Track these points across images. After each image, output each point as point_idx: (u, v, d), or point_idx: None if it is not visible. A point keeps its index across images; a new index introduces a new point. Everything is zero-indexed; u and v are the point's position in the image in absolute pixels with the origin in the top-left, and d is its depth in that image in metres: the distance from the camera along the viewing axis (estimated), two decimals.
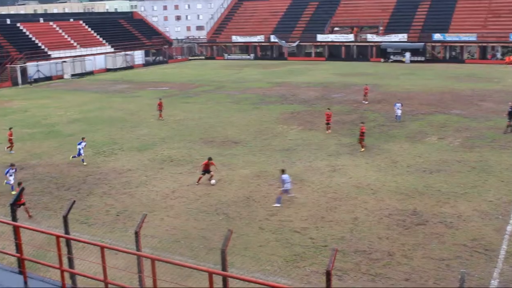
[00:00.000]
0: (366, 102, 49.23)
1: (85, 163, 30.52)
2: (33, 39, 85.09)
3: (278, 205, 23.08)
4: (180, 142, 35.69)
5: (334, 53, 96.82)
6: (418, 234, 20.15)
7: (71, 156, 31.50)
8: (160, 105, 44.52)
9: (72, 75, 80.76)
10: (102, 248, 10.54)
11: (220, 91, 59.94)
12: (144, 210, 22.65)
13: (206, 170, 26.25)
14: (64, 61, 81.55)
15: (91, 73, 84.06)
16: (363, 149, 32.35)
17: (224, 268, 11.18)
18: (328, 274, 9.61)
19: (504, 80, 64.82)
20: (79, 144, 30.97)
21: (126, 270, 14.87)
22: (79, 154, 30.70)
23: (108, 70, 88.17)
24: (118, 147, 34.90)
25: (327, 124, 37.99)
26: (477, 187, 25.40)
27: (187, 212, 22.77)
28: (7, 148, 34.31)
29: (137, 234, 11.70)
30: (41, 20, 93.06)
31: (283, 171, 23.81)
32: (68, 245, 12.13)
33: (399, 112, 40.90)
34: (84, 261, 13.58)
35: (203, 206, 23.55)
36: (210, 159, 26.49)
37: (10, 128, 35.27)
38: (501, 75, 68.82)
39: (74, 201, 12.62)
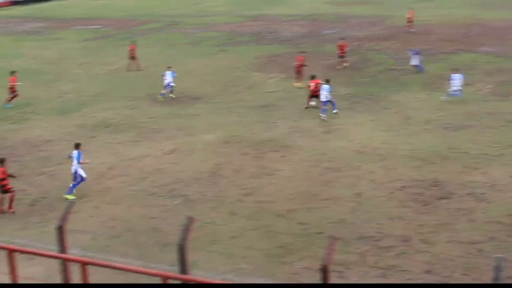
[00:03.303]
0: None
1: None
2: None
3: None
4: (118, 101, 35.30)
5: None
6: (441, 211, 20.23)
7: None
8: (132, 50, 43.52)
9: None
10: (11, 251, 10.31)
11: (173, 29, 59.32)
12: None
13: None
14: None
15: None
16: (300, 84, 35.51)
17: (183, 269, 11.10)
18: (325, 271, 9.57)
19: None
20: None
21: (46, 280, 14.65)
22: None
23: (15, 2, 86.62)
24: (31, 110, 34.23)
25: (341, 57, 39.99)
26: None
27: (131, 196, 22.48)
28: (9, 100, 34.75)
29: (60, 229, 11.49)
30: None
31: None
32: None
33: (415, 61, 39.10)
34: None
35: (152, 186, 23.25)
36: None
37: (13, 73, 35.22)
38: None
39: None
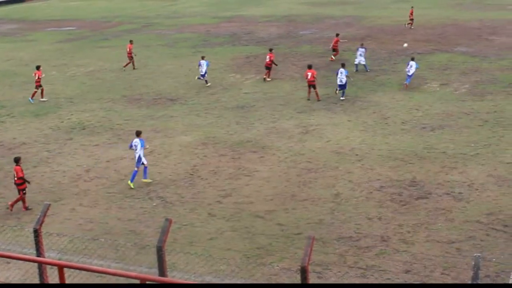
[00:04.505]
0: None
1: None
2: None
3: None
4: (94, 102, 35.05)
5: None
6: (419, 211, 20.35)
7: None
8: (130, 49, 43.02)
9: None
10: None
11: (148, 31, 59.04)
12: (47, 198, 22.10)
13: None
14: None
15: None
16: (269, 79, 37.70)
17: (162, 272, 11.04)
18: (304, 271, 9.56)
19: None
20: None
21: (23, 283, 14.52)
22: None
23: None
24: (6, 112, 33.97)
25: (334, 50, 42.27)
26: (491, 146, 25.86)
27: (108, 199, 22.38)
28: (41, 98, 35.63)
29: (37, 232, 11.41)
30: None
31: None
32: None
33: (361, 59, 39.33)
34: None
35: (129, 188, 23.15)
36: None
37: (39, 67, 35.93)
38: None
39: None
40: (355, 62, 39.24)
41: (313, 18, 63.02)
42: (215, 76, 39.65)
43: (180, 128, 29.76)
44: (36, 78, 35.23)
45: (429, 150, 25.64)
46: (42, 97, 35.57)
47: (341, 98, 33.46)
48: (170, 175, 24.12)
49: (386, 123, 29.26)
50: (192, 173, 24.34)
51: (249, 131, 28.61)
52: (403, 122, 29.27)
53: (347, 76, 33.58)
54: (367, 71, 39.14)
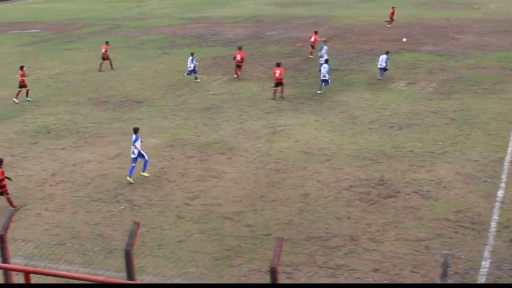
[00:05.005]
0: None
1: None
2: None
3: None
4: (59, 105, 34.73)
5: None
6: (388, 209, 20.49)
7: None
8: (106, 51, 43.16)
9: None
10: None
11: (114, 32, 58.74)
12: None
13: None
14: None
15: None
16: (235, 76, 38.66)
17: (130, 275, 10.97)
18: (274, 272, 9.57)
19: (485, 6, 66.97)
20: None
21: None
22: None
23: None
24: None
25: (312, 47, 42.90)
26: (458, 144, 26.14)
27: (75, 203, 22.16)
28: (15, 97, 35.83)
29: (2, 238, 11.30)
30: None
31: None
32: None
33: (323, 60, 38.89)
34: None
35: (96, 192, 23.00)
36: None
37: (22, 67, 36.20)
38: (481, 0, 70.85)
39: None
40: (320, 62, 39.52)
41: (280, 18, 63.23)
42: (181, 77, 39.55)
43: (147, 130, 29.56)
44: (20, 78, 35.39)
45: (397, 149, 25.85)
46: (27, 96, 35.77)
47: (318, 92, 34.50)
48: (137, 178, 23.98)
49: (354, 123, 29.43)
50: (159, 175, 24.24)
51: (217, 132, 28.59)
52: (370, 122, 29.47)
53: (327, 72, 34.48)
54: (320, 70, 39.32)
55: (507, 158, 24.44)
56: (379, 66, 37.38)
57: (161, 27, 61.20)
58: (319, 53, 39.92)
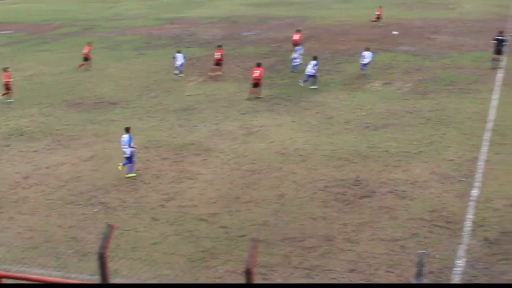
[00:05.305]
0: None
1: None
2: None
3: None
4: (33, 107, 34.40)
5: None
6: (364, 209, 20.53)
7: None
8: (88, 51, 43.35)
9: None
10: None
11: (89, 33, 58.38)
12: None
13: None
14: None
15: None
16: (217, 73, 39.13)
17: (104, 278, 10.90)
18: (249, 273, 9.56)
19: (460, 6, 67.46)
20: None
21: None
22: None
23: None
24: None
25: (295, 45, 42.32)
26: (434, 144, 26.27)
27: (48, 206, 21.93)
28: (3, 95, 36.41)
29: None
30: None
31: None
32: None
33: (297, 61, 40.07)
34: None
35: (70, 195, 22.78)
36: None
37: (6, 69, 36.90)
38: (456, 0, 71.36)
39: None
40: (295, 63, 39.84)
41: (256, 19, 63.21)
42: (157, 78, 39.41)
43: (121, 132, 29.31)
44: (4, 80, 35.66)
45: (373, 149, 25.92)
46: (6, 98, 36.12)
47: (300, 82, 35.94)
48: (112, 180, 23.81)
49: (329, 123, 29.46)
50: (134, 177, 24.12)
51: (192, 133, 28.49)
52: (346, 122, 29.51)
53: (314, 69, 35.28)
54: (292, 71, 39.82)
55: (482, 157, 24.60)
56: (361, 62, 38.28)
57: (136, 27, 60.94)
58: (293, 54, 40.06)
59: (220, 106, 32.93)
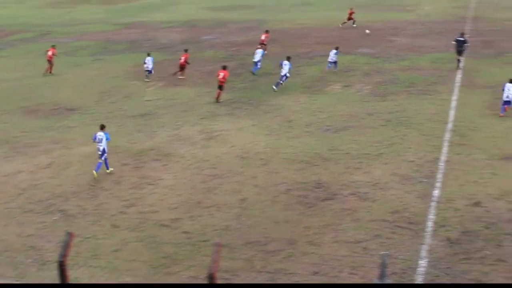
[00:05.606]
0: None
1: None
2: None
3: None
4: None
5: None
6: (326, 212, 20.63)
7: None
8: (53, 54, 43.23)
9: None
10: None
11: (46, 39, 57.57)
12: None
13: None
14: None
15: None
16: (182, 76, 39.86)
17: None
18: (211, 278, 9.50)
19: (419, 8, 68.27)
20: None
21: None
22: None
23: None
24: None
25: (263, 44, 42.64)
26: (394, 145, 26.51)
27: (6, 214, 21.66)
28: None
29: None
30: None
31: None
32: None
33: (257, 58, 40.57)
34: None
35: (29, 203, 22.53)
36: None
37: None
38: (415, 2, 72.32)
39: None
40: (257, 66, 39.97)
41: (215, 23, 63.16)
42: (115, 84, 39.14)
43: (80, 138, 29.13)
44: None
45: (334, 151, 26.04)
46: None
47: (274, 86, 35.99)
48: (71, 187, 23.57)
49: (290, 126, 29.54)
50: (94, 184, 23.87)
51: (152, 139, 28.34)
52: (307, 125, 29.61)
53: (289, 69, 36.06)
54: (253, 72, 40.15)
55: (442, 158, 24.91)
56: (329, 60, 39.86)
57: (93, 33, 60.42)
58: (255, 57, 40.16)
59: (179, 111, 32.80)
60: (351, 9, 58.22)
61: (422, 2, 72.15)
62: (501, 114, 29.73)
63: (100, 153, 24.46)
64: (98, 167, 24.25)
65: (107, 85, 39.17)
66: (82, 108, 34.42)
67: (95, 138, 24.72)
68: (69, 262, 10.68)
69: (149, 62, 40.20)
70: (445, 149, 25.90)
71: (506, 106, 29.87)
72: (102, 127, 24.97)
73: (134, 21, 66.77)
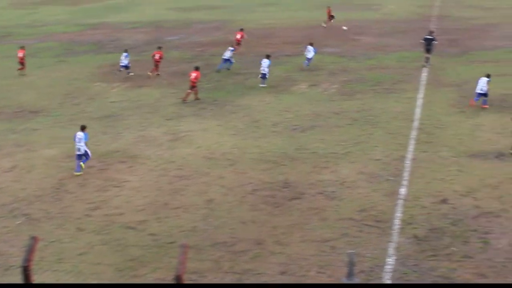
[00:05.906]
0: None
1: None
2: None
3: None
4: None
5: None
6: (293, 211, 20.70)
7: None
8: (22, 57, 42.97)
9: None
10: None
11: (7, 41, 57.09)
12: None
13: None
14: None
15: None
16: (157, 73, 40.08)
17: None
18: (179, 280, 9.49)
19: (384, 7, 68.88)
20: None
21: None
22: None
23: None
24: None
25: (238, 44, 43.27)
26: (361, 144, 26.72)
27: None
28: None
29: None
30: None
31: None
32: None
33: (227, 55, 41.46)
34: None
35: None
36: None
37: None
38: (380, 1, 72.90)
39: None
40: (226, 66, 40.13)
41: (180, 23, 63.06)
42: (79, 85, 38.82)
43: (44, 141, 28.84)
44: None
45: (301, 151, 26.14)
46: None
47: (260, 85, 36.68)
48: (34, 191, 23.30)
49: (256, 126, 29.58)
50: (58, 187, 23.63)
51: (117, 141, 28.16)
52: (273, 125, 29.68)
53: (267, 67, 36.75)
54: (228, 69, 40.81)
55: (409, 156, 25.15)
56: (307, 56, 40.90)
57: (57, 34, 59.92)
58: (225, 55, 40.32)
59: (144, 112, 32.65)
60: (328, 7, 58.69)
61: (386, 1, 72.75)
62: (473, 102, 30.94)
63: (79, 153, 24.54)
64: (78, 167, 24.55)
65: (71, 86, 38.84)
66: (46, 110, 34.07)
67: (75, 138, 24.82)
68: (33, 266, 10.57)
69: (124, 58, 40.70)
70: (411, 147, 26.14)
71: (478, 99, 30.85)
72: (83, 128, 24.97)
73: (98, 22, 66.35)
